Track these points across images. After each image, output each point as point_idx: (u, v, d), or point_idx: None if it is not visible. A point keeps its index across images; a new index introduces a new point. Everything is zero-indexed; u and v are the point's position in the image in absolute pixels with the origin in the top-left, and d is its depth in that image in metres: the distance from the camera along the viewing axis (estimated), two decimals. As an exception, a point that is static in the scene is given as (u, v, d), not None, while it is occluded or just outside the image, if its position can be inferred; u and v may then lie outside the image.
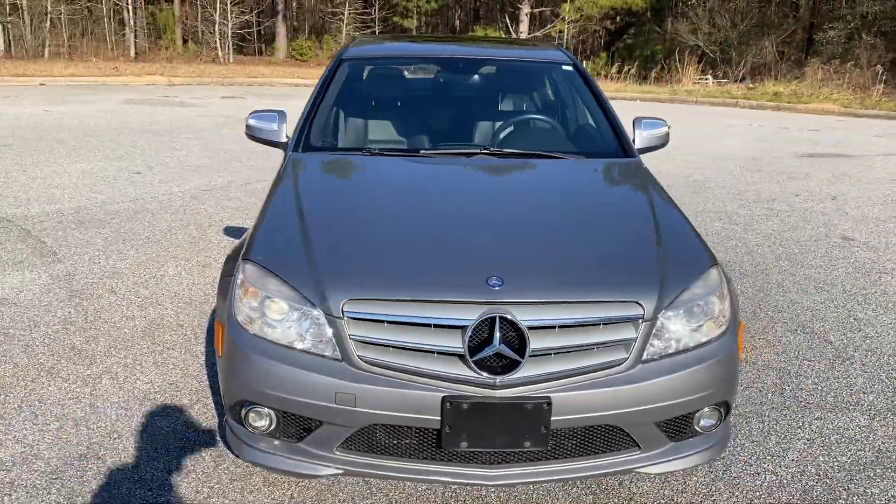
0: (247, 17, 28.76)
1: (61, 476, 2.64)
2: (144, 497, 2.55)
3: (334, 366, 2.29)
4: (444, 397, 2.22)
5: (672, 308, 2.43)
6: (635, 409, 2.34)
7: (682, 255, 2.65)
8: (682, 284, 2.49)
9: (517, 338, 2.26)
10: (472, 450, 2.29)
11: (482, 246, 2.57)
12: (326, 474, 2.37)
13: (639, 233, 2.76)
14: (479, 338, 2.26)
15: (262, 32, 33.10)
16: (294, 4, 35.34)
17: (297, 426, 2.36)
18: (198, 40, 29.00)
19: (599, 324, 2.34)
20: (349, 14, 30.87)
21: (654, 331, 2.38)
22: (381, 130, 3.90)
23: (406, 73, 4.20)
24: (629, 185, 3.31)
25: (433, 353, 2.27)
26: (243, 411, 2.40)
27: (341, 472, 2.37)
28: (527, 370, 2.26)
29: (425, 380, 2.25)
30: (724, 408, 2.56)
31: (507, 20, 29.58)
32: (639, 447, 2.45)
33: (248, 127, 3.72)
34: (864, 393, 3.49)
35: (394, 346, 2.28)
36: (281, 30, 31.16)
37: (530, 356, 2.27)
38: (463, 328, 2.25)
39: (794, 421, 3.21)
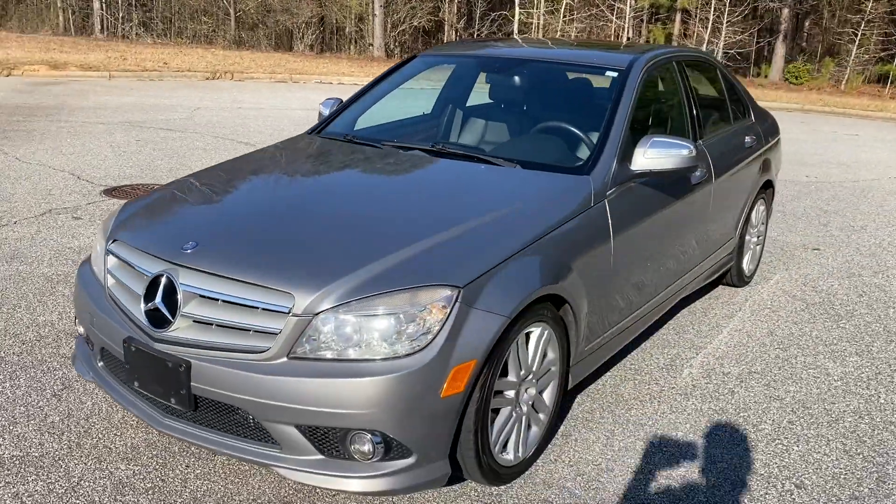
0: (739, 37, 27.86)
1: (32, 344, 3.65)
2: (51, 365, 3.40)
3: (99, 294, 2.79)
4: (126, 336, 2.54)
5: (347, 310, 2.29)
6: (268, 402, 2.31)
7: (429, 267, 2.41)
8: (374, 290, 2.30)
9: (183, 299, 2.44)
10: (141, 390, 2.56)
11: (235, 224, 2.76)
12: (89, 379, 2.89)
13: (415, 237, 2.55)
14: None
15: (764, 51, 31.66)
16: (806, 24, 32.84)
17: (90, 340, 2.92)
18: (685, 59, 29.22)
19: (258, 307, 2.35)
20: (865, 34, 27.49)
21: (311, 327, 2.28)
22: (393, 121, 4.06)
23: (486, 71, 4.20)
24: (520, 197, 2.92)
25: (140, 297, 2.59)
26: (74, 322, 3.05)
27: (94, 382, 2.86)
28: (183, 332, 2.43)
29: (124, 318, 2.60)
30: (385, 440, 2.28)
31: None
32: (279, 446, 2.37)
33: (319, 114, 4.26)
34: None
35: (123, 285, 2.67)
36: (780, 50, 29.37)
37: (195, 321, 2.43)
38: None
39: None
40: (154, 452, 2.79)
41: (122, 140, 8.98)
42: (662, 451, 2.98)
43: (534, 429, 2.82)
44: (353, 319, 2.29)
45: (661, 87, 4.05)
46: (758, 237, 5.07)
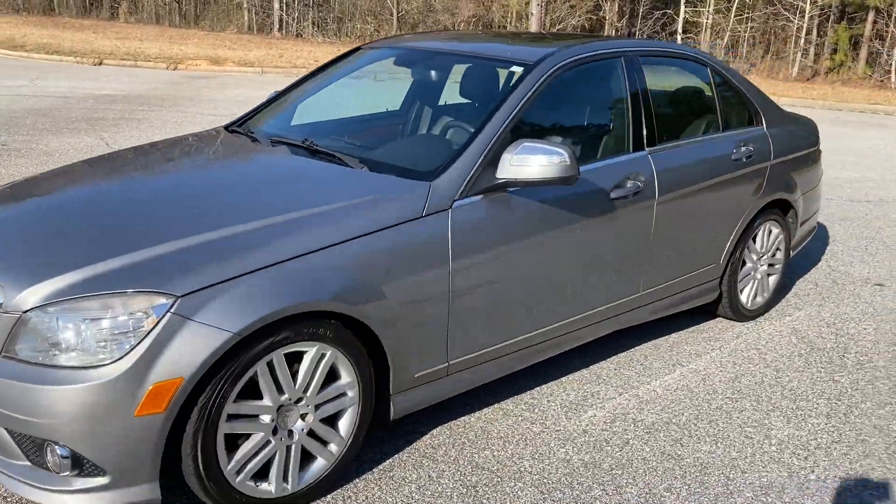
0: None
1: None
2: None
3: None
4: None
5: (56, 310, 2.16)
6: None
7: (156, 270, 2.23)
8: (87, 291, 2.17)
9: None
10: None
11: (23, 216, 2.75)
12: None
13: (168, 237, 2.37)
14: None
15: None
16: None
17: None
18: (873, 62, 26.24)
19: None
20: None
21: (20, 325, 2.17)
22: (338, 119, 3.87)
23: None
24: (332, 201, 2.63)
25: None
26: None
27: None
28: None
29: None
30: (73, 455, 2.13)
31: None
32: None
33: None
34: None
35: None
36: None
37: None
38: None
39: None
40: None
41: (216, 131, 9.43)
42: (481, 503, 2.59)
43: (318, 461, 2.54)
44: (59, 321, 2.15)
45: (594, 87, 3.54)
46: (769, 265, 4.35)
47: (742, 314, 4.25)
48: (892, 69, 24.79)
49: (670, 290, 3.72)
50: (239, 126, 3.69)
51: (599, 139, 3.45)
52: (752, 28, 28.39)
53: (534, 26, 28.15)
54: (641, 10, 28.82)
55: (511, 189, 2.89)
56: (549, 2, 28.50)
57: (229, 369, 2.21)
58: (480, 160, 2.83)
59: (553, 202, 3.01)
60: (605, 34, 29.36)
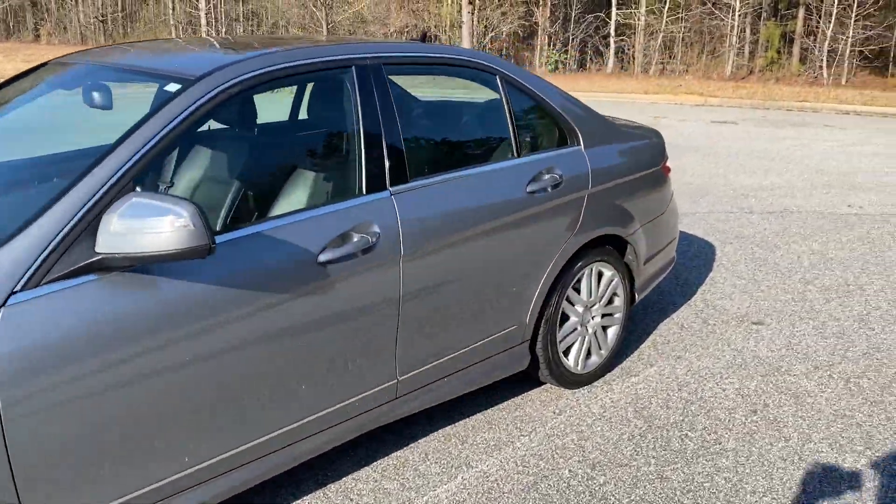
0: (870, 33, 24.35)
1: None
2: None
3: None
4: None
5: None
6: None
7: None
8: None
9: None
10: None
11: None
12: None
13: None
14: None
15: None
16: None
17: None
18: (805, 59, 25.96)
19: None
20: None
21: None
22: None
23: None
24: None
25: None
26: None
27: None
28: None
29: None
30: None
31: None
32: None
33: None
34: None
35: None
36: (924, 46, 25.47)
37: None
38: None
39: None
40: None
41: None
42: None
43: None
44: None
45: (301, 109, 2.66)
46: (604, 316, 3.50)
47: (570, 380, 3.39)
48: (824, 65, 24.53)
49: (446, 369, 2.83)
50: None
51: (308, 180, 2.54)
52: (686, 28, 28.00)
53: (465, 35, 27.49)
54: (574, 15, 28.23)
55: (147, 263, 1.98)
56: (480, 9, 27.87)
57: None
58: (69, 227, 1.91)
59: (222, 277, 2.11)
60: (538, 40, 28.81)
